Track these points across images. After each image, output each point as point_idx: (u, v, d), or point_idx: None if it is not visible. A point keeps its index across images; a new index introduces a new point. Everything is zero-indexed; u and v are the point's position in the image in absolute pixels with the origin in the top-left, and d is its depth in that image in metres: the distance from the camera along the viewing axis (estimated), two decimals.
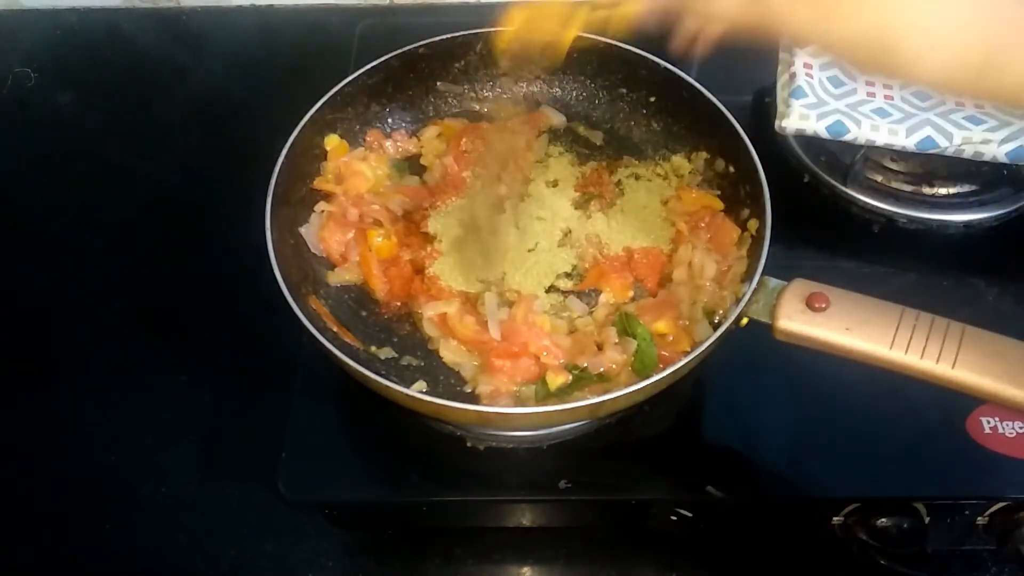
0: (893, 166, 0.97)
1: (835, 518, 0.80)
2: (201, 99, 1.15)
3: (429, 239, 0.87)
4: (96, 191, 1.08)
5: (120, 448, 0.88)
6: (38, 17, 1.25)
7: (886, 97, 0.94)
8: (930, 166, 0.97)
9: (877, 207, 0.96)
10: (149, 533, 0.84)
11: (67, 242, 1.03)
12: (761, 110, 1.01)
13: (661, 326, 0.79)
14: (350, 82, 0.90)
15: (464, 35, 0.94)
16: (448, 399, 0.71)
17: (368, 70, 0.91)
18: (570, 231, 0.88)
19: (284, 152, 0.83)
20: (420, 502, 0.81)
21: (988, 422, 0.79)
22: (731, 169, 0.87)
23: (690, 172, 0.91)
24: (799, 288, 0.72)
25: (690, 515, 0.80)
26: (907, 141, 0.89)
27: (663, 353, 0.78)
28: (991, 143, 0.88)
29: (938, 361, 0.66)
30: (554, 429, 0.80)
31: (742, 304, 0.73)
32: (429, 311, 0.82)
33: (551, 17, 0.73)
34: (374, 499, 0.81)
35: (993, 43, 0.55)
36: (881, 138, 0.90)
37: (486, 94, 0.99)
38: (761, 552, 0.84)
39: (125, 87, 1.17)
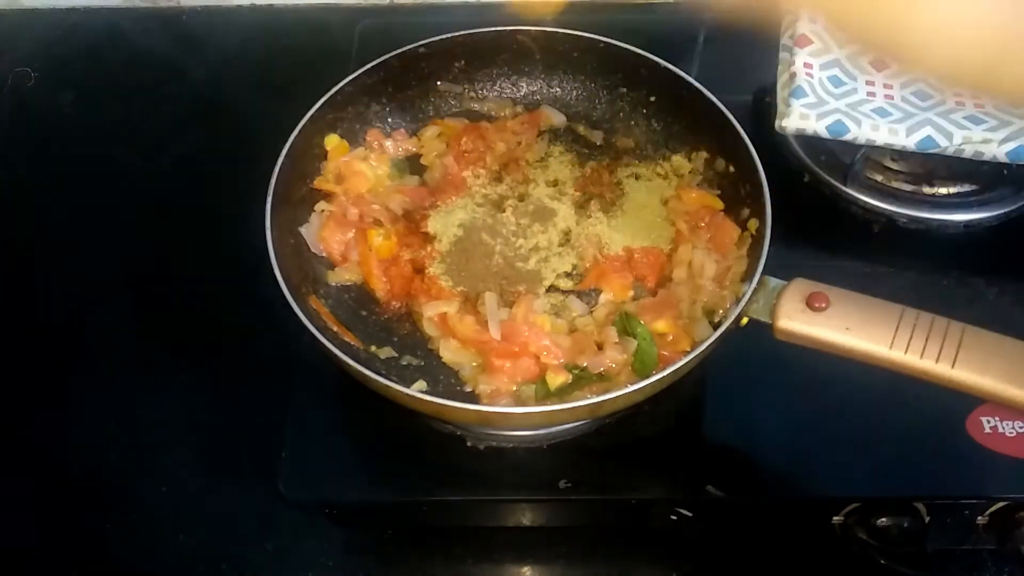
0: (893, 166, 0.97)
1: (835, 518, 0.80)
2: (201, 99, 1.15)
3: (429, 239, 0.87)
4: (96, 191, 1.08)
5: (120, 448, 0.88)
6: (38, 17, 1.25)
7: (886, 97, 0.94)
8: (930, 166, 0.97)
9: (877, 207, 0.96)
10: (149, 533, 0.84)
11: (67, 242, 1.03)
12: (761, 110, 1.01)
13: (661, 326, 0.79)
14: (350, 82, 0.90)
15: (464, 35, 0.94)
16: (448, 399, 0.71)
17: (368, 70, 0.91)
18: (570, 231, 0.88)
19: (284, 152, 0.83)
20: (420, 501, 0.81)
21: (988, 422, 0.79)
22: (731, 169, 0.87)
23: (690, 172, 0.91)
24: (799, 288, 0.72)
25: (690, 515, 0.80)
26: (907, 141, 0.89)
27: (663, 353, 0.78)
28: (991, 143, 0.88)
29: (938, 361, 0.66)
30: (554, 429, 0.80)
31: (742, 304, 0.73)
32: (429, 311, 0.82)
33: None
34: (374, 499, 0.81)
35: (1006, 38, 0.54)
36: (881, 138, 0.89)
37: (486, 94, 0.99)
38: (761, 552, 0.84)
39: (125, 87, 1.17)
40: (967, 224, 0.95)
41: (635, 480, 0.80)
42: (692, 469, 0.80)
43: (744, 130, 0.84)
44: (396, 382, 0.72)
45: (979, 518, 0.80)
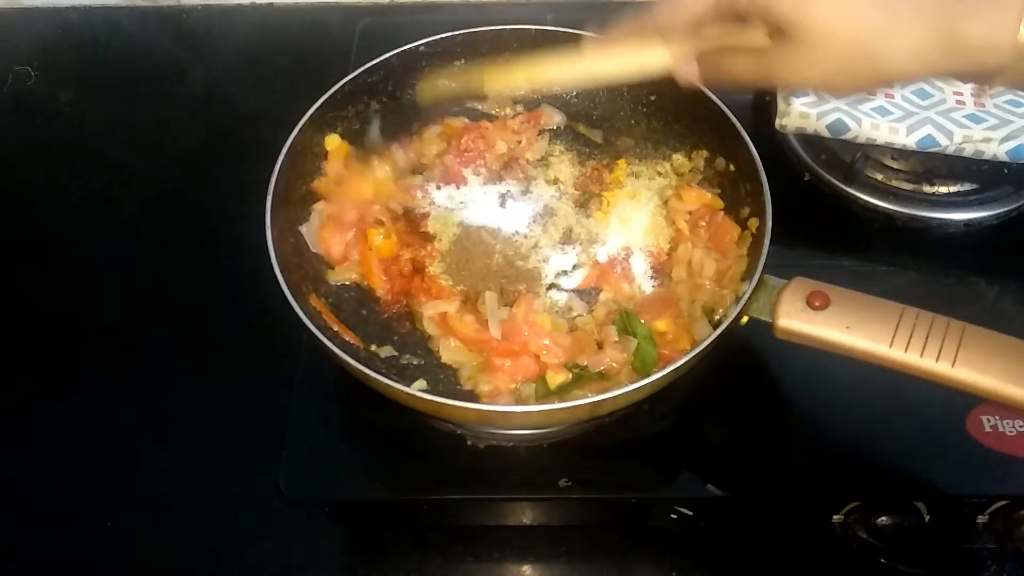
0: (893, 164, 0.97)
1: (835, 517, 0.80)
2: (201, 98, 1.15)
3: (429, 238, 0.87)
4: (96, 190, 1.08)
5: (120, 448, 0.88)
6: (38, 15, 1.25)
7: (887, 96, 0.94)
8: (930, 164, 0.96)
9: (877, 205, 0.96)
10: (149, 533, 0.84)
11: (67, 241, 1.03)
12: (761, 108, 1.01)
13: (661, 324, 0.79)
14: (350, 81, 0.90)
15: (464, 34, 0.94)
16: (448, 397, 0.71)
17: (368, 68, 0.91)
18: (570, 230, 0.88)
19: (284, 151, 0.83)
20: (420, 500, 0.81)
21: (988, 420, 0.79)
22: (731, 167, 0.87)
23: (690, 171, 0.91)
24: (799, 286, 0.72)
25: (690, 513, 0.80)
26: (907, 139, 0.89)
27: (663, 352, 0.78)
28: (991, 141, 0.88)
29: (938, 359, 0.66)
30: (554, 427, 0.80)
31: (742, 302, 0.73)
32: (429, 310, 0.82)
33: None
34: (374, 497, 0.82)
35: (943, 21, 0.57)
36: (881, 136, 0.89)
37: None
38: (761, 551, 0.84)
39: (126, 86, 1.17)
40: (967, 223, 0.95)
41: (635, 479, 0.80)
42: (692, 468, 0.80)
43: (744, 129, 0.84)
44: (396, 381, 0.72)
45: (979, 517, 0.80)
